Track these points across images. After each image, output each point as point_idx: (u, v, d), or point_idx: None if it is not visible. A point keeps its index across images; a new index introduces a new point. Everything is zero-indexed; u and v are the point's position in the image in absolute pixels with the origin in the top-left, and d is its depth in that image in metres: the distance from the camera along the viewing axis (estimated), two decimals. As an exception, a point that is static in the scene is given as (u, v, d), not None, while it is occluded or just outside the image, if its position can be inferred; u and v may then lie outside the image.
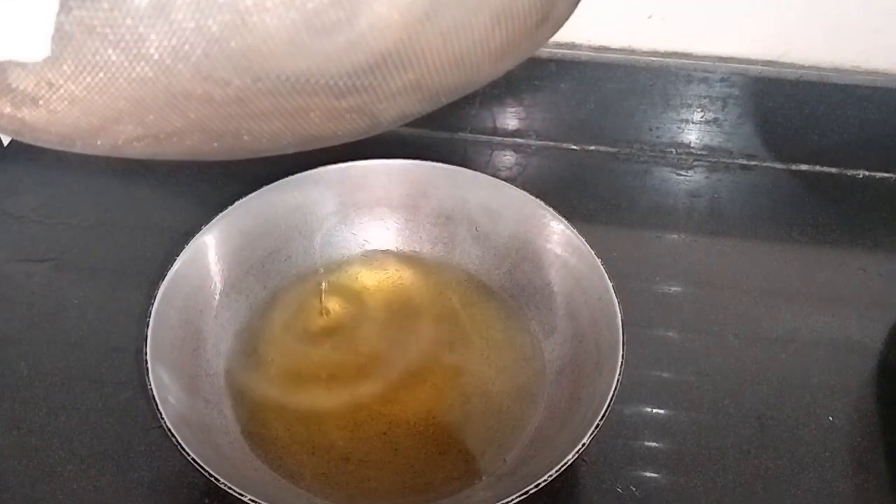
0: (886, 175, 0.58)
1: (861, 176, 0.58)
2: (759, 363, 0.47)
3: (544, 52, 0.56)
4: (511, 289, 0.47)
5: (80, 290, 0.50)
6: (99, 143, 0.24)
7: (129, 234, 0.53)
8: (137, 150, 0.25)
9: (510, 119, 0.59)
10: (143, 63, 0.20)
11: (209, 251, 0.44)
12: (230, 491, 0.34)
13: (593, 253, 0.43)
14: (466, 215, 0.48)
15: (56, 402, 0.44)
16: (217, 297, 0.45)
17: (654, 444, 0.43)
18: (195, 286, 0.43)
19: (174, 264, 0.42)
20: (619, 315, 0.40)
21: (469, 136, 0.60)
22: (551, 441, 0.39)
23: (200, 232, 0.44)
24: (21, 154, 0.58)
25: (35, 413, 0.44)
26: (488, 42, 0.23)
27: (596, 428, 0.36)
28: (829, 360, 0.47)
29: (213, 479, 0.34)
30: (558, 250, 0.45)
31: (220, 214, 0.45)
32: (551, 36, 0.28)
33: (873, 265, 0.52)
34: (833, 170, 0.58)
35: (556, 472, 0.35)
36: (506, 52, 0.25)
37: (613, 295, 0.41)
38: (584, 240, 0.44)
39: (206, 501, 0.41)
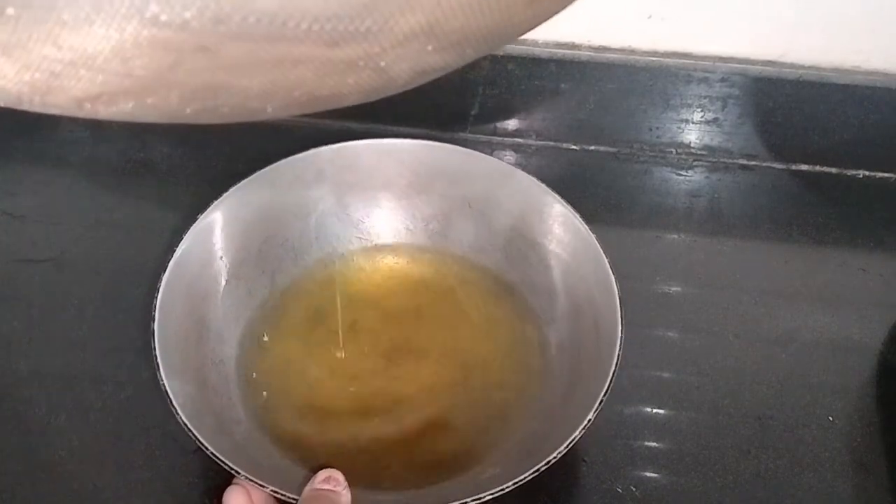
0: (886, 175, 0.58)
1: (861, 176, 0.58)
2: (759, 363, 0.47)
3: (544, 52, 0.56)
4: (508, 267, 0.47)
5: (80, 290, 0.50)
6: (51, 98, 0.20)
7: (129, 234, 0.53)
8: (104, 112, 0.21)
9: (510, 119, 0.59)
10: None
11: (212, 235, 0.44)
12: (252, 482, 0.33)
13: (588, 229, 0.43)
14: (463, 195, 0.48)
15: (56, 402, 0.44)
16: (221, 284, 0.44)
17: (654, 444, 0.43)
18: (197, 275, 0.43)
19: (175, 252, 0.42)
20: (615, 290, 0.40)
21: (469, 136, 0.60)
22: (556, 418, 0.39)
23: (201, 216, 0.43)
24: (21, 154, 0.58)
25: (35, 413, 0.44)
26: None
27: (600, 403, 0.36)
28: (829, 360, 0.47)
29: (234, 472, 0.34)
30: (554, 227, 0.45)
31: (217, 200, 0.44)
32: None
33: (873, 265, 0.52)
34: (833, 170, 0.58)
35: (566, 448, 0.34)
36: None
37: (609, 270, 0.41)
38: (578, 216, 0.44)
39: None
